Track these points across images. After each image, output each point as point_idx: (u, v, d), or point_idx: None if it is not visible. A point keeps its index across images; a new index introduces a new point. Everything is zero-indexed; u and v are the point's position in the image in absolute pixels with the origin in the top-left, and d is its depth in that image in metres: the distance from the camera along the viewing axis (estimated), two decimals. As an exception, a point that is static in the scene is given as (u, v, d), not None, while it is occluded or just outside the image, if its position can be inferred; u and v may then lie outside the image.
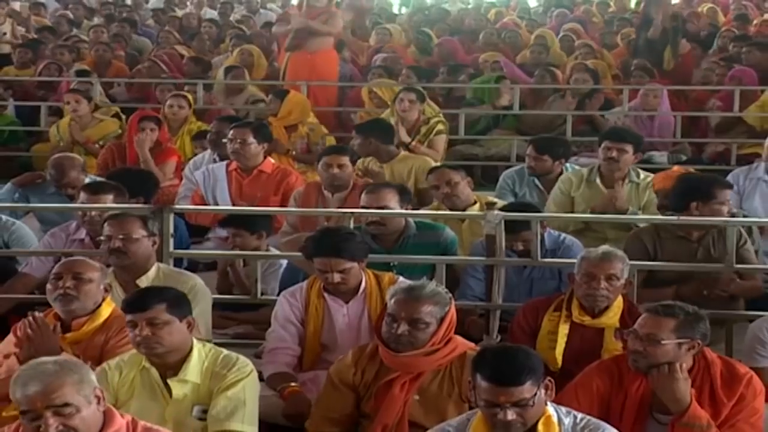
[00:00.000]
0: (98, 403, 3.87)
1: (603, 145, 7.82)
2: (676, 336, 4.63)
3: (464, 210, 7.15)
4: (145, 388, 4.71)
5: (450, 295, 4.91)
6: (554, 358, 5.50)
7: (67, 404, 3.76)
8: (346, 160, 7.69)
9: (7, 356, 5.12)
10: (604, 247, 5.67)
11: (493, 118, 11.61)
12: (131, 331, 4.71)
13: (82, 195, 6.98)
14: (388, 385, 4.78)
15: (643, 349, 4.64)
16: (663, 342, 4.61)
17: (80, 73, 12.41)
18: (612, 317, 5.40)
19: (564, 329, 5.53)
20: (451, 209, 7.21)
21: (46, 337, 5.01)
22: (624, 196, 7.55)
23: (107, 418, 3.93)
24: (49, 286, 5.24)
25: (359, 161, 8.53)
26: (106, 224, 5.99)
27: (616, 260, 5.50)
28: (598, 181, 7.77)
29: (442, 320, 4.80)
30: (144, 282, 5.82)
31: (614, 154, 7.72)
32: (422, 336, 4.78)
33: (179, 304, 4.77)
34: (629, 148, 7.75)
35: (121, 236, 5.86)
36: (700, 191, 6.52)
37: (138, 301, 4.75)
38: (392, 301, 4.89)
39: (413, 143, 9.46)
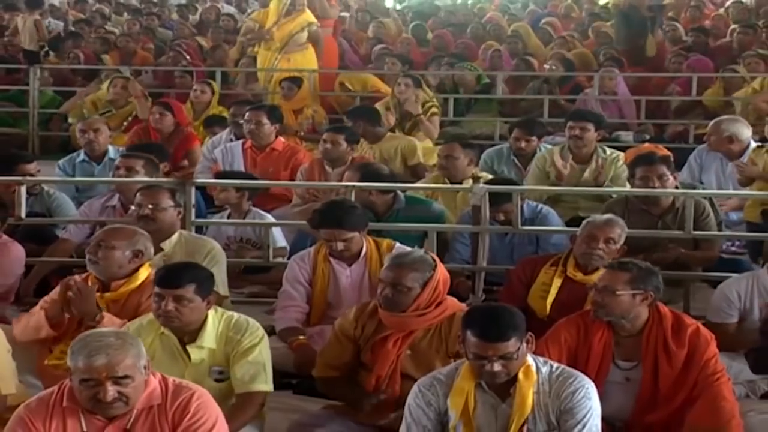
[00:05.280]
0: (146, 370, 3.86)
1: (567, 125, 7.86)
2: (631, 288, 4.63)
3: (461, 181, 7.15)
4: (165, 351, 4.61)
5: (435, 263, 4.84)
6: (544, 306, 5.57)
7: (126, 376, 3.76)
8: (340, 138, 7.73)
9: (46, 302, 5.10)
10: (608, 215, 5.73)
11: (466, 102, 11.62)
12: (156, 302, 4.57)
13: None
14: (383, 340, 4.77)
15: (601, 299, 4.65)
16: (618, 293, 4.62)
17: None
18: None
19: (557, 282, 5.59)
20: (449, 179, 7.27)
21: (86, 298, 4.97)
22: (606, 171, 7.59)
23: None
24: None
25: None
26: (138, 194, 5.98)
27: (616, 226, 5.57)
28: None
29: (425, 284, 4.75)
30: (167, 246, 5.84)
31: (577, 132, 7.75)
32: (404, 299, 4.73)
33: (206, 285, 4.62)
34: (591, 126, 7.77)
35: (150, 205, 5.86)
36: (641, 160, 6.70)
37: (171, 278, 4.58)
38: (383, 266, 4.91)
39: (420, 116, 9.59)
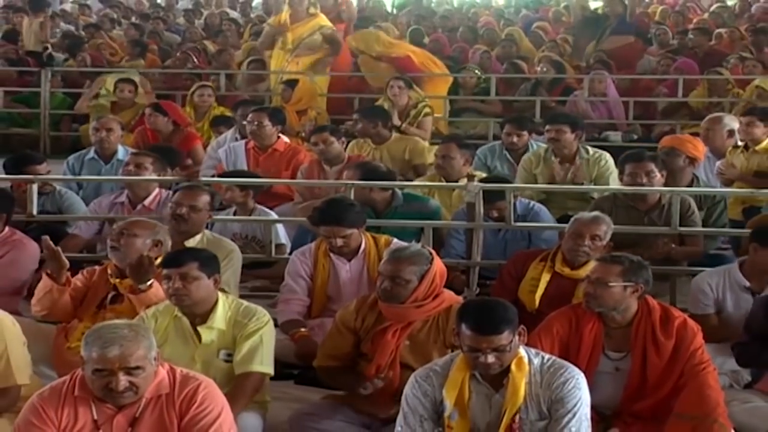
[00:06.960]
0: (155, 361, 3.90)
1: (545, 129, 7.79)
2: (623, 280, 4.64)
3: (457, 180, 7.15)
4: (178, 334, 4.70)
5: (432, 256, 4.86)
6: (533, 300, 5.59)
7: (138, 367, 3.81)
8: (328, 136, 7.72)
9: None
10: (595, 212, 5.72)
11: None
12: (166, 283, 4.69)
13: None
14: (383, 331, 4.78)
15: (594, 291, 4.66)
16: (610, 285, 4.63)
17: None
18: (587, 271, 5.39)
19: (546, 277, 5.61)
20: (445, 178, 7.27)
21: (152, 265, 5.07)
22: (583, 172, 7.56)
23: None
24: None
25: (353, 142, 8.52)
26: (178, 192, 6.00)
27: (602, 223, 5.59)
28: (553, 158, 7.72)
29: (423, 277, 4.76)
30: (191, 244, 5.83)
31: (554, 134, 7.64)
32: (403, 291, 4.75)
33: (209, 263, 4.74)
34: (566, 128, 7.64)
35: (188, 206, 5.87)
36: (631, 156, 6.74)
37: (175, 258, 4.75)
38: (383, 260, 4.92)
39: (404, 126, 9.44)
